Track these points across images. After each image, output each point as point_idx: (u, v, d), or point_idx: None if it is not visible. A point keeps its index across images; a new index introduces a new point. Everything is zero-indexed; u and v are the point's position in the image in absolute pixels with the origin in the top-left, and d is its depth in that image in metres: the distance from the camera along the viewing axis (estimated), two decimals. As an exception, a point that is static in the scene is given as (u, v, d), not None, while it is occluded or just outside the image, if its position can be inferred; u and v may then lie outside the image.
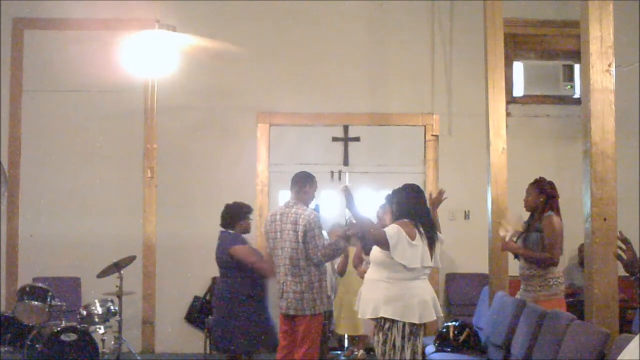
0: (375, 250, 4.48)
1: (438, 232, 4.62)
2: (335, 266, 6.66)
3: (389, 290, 4.36)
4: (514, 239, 5.45)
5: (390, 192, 4.93)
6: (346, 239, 5.21)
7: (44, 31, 8.08)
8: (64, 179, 7.94)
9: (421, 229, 4.43)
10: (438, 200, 4.86)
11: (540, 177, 5.40)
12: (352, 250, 6.48)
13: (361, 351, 7.41)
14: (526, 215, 5.49)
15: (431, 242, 4.47)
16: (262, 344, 5.62)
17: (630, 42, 7.48)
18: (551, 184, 5.34)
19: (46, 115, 7.99)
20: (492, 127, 6.16)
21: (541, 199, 5.29)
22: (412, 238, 4.36)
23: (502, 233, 5.49)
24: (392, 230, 4.34)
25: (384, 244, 4.33)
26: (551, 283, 5.15)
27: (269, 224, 5.31)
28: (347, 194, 4.60)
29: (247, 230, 5.78)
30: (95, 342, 6.18)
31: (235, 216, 5.72)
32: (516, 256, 5.51)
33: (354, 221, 4.93)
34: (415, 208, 4.50)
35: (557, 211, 5.29)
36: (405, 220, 4.45)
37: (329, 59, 8.12)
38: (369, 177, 8.13)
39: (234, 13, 8.07)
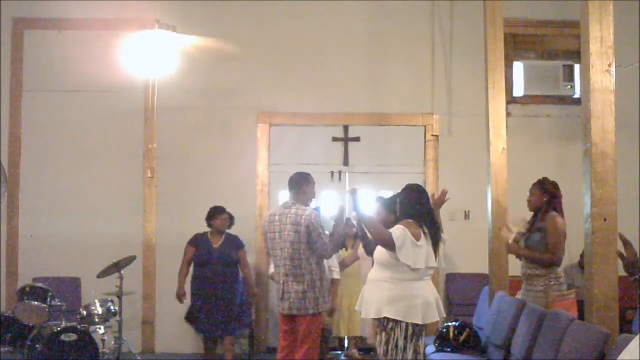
0: (379, 251, 4.48)
1: (441, 233, 4.62)
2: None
3: (392, 291, 4.36)
4: (514, 239, 5.45)
5: (390, 193, 4.94)
6: (340, 221, 5.22)
7: (44, 31, 8.07)
8: (64, 179, 7.94)
9: (425, 229, 4.43)
10: (441, 200, 4.86)
11: (543, 177, 5.40)
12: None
13: (354, 350, 7.41)
14: (529, 215, 5.49)
15: (435, 242, 4.47)
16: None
17: (630, 42, 7.48)
18: (554, 184, 5.34)
19: (46, 115, 7.99)
20: (492, 127, 6.16)
21: (544, 199, 5.29)
22: (417, 239, 4.36)
23: (504, 234, 5.49)
24: (398, 231, 4.35)
25: (390, 245, 4.33)
26: (552, 283, 5.15)
27: (267, 224, 5.31)
28: (354, 195, 4.60)
29: (219, 227, 6.79)
30: (95, 342, 6.18)
31: (209, 217, 6.82)
32: (518, 256, 5.51)
33: (345, 213, 4.96)
34: (418, 208, 4.51)
35: (560, 211, 5.29)
36: (410, 220, 4.45)
37: (329, 59, 8.12)
38: (369, 177, 8.12)
39: (234, 13, 8.07)
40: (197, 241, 6.83)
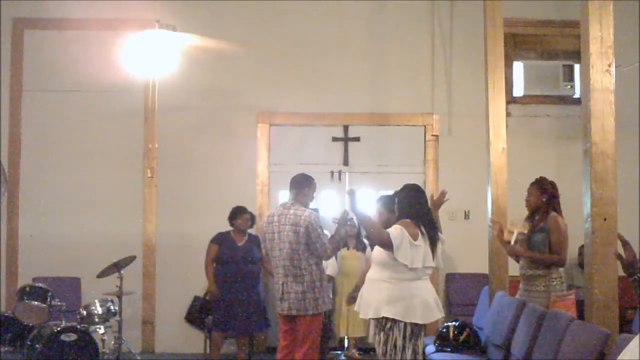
0: (378, 251, 4.49)
1: (439, 233, 4.62)
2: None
3: (390, 291, 4.36)
4: (516, 240, 5.45)
5: (390, 192, 4.93)
6: (343, 225, 5.22)
7: (44, 31, 8.07)
8: (64, 179, 7.93)
9: (423, 229, 4.44)
10: (440, 201, 4.86)
11: (541, 177, 5.39)
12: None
13: (354, 350, 7.42)
14: (525, 215, 5.48)
15: (433, 242, 4.47)
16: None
17: (630, 42, 7.48)
18: (552, 183, 5.34)
19: (46, 115, 7.98)
20: (492, 127, 6.16)
21: (543, 199, 5.28)
22: (415, 238, 4.36)
23: (506, 238, 5.47)
24: (396, 231, 4.35)
25: (388, 245, 4.33)
26: (554, 283, 5.15)
27: (266, 225, 5.31)
28: (353, 196, 4.61)
29: (241, 227, 6.88)
30: (95, 342, 6.18)
31: (231, 217, 6.92)
32: (516, 257, 5.50)
33: (349, 214, 4.96)
34: (417, 208, 4.51)
35: (559, 211, 5.28)
36: (407, 220, 4.45)
37: (329, 59, 8.12)
38: (369, 177, 8.12)
39: (234, 13, 8.07)
40: (221, 239, 6.89)
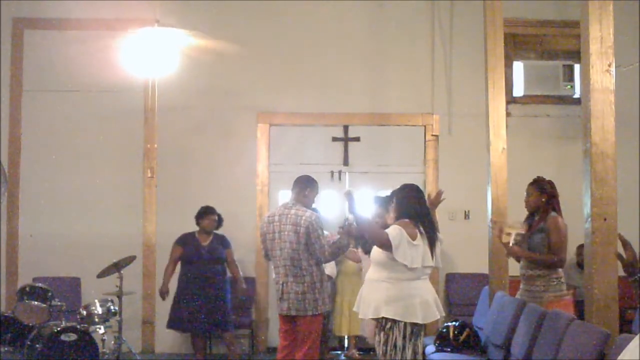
0: (376, 251, 4.49)
1: (437, 232, 4.62)
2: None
3: (390, 291, 4.36)
4: (515, 241, 5.44)
5: (388, 192, 4.93)
6: (348, 235, 5.22)
7: (44, 31, 8.08)
8: (64, 179, 7.94)
9: (422, 229, 4.44)
10: (437, 201, 4.86)
11: (539, 177, 5.38)
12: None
13: (354, 350, 7.42)
14: (524, 215, 5.48)
15: (432, 241, 4.47)
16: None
17: (630, 42, 7.48)
18: (551, 183, 5.33)
19: (46, 115, 7.99)
20: (492, 127, 6.16)
21: (542, 199, 5.27)
22: (414, 238, 4.36)
23: (505, 240, 5.45)
24: (395, 232, 4.35)
25: (387, 245, 4.33)
26: (554, 283, 5.15)
27: (266, 225, 5.30)
28: (350, 197, 4.61)
29: (207, 228, 6.83)
30: (95, 342, 6.17)
31: (197, 217, 6.87)
32: (517, 257, 5.49)
33: (353, 222, 4.95)
34: (415, 208, 4.51)
35: (558, 211, 5.28)
36: (406, 220, 4.45)
37: (329, 59, 8.12)
38: (369, 177, 8.12)
39: (234, 13, 8.07)
40: (185, 240, 6.87)
